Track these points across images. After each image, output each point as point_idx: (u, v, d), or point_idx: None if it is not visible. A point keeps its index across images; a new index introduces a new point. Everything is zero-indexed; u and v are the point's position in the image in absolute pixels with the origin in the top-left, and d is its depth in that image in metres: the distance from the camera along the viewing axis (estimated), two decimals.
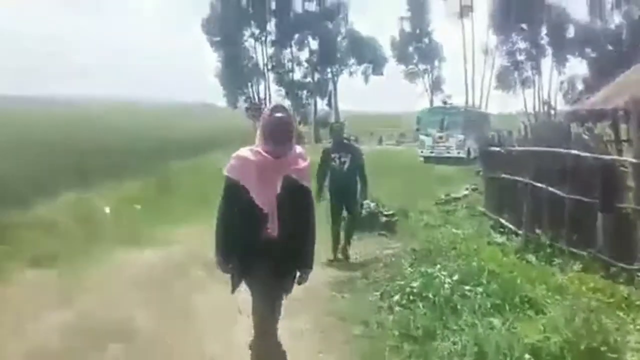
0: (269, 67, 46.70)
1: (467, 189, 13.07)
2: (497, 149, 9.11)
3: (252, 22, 44.84)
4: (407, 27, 47.53)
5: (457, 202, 12.03)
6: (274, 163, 3.25)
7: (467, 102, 44.28)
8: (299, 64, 48.09)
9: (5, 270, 6.32)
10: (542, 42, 45.55)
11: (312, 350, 4.67)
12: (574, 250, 6.67)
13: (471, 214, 10.28)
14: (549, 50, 45.75)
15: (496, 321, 4.57)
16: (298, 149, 3.40)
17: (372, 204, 10.05)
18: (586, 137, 6.84)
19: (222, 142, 26.43)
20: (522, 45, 46.14)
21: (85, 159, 15.02)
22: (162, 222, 9.69)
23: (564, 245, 6.82)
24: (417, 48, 47.60)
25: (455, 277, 5.52)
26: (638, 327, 4.70)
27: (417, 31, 47.06)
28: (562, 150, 6.90)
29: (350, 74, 48.99)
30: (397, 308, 5.27)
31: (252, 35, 45.42)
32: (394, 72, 49.38)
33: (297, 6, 46.58)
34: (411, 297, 5.33)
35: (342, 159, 7.70)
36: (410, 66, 47.97)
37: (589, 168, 6.49)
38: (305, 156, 3.42)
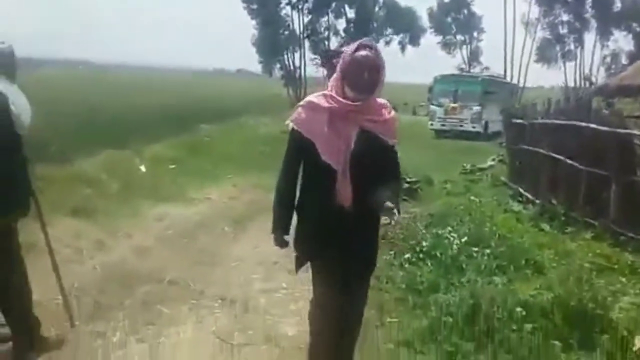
0: (305, 35, 46.57)
1: (493, 159, 13.16)
2: (520, 121, 9.23)
3: None
4: None
5: (482, 172, 12.18)
6: (349, 110, 2.59)
7: (505, 74, 43.58)
8: (336, 32, 47.87)
9: (48, 218, 6.84)
10: (587, 15, 44.18)
11: None
12: (587, 219, 6.84)
13: (494, 184, 10.46)
14: (593, 24, 44.42)
15: (497, 279, 4.86)
16: (380, 99, 2.73)
17: None
18: (605, 111, 6.92)
19: (254, 108, 26.94)
20: (565, 17, 44.90)
21: (123, 120, 15.61)
22: (193, 181, 10.18)
23: (578, 215, 6.99)
24: (456, 19, 46.82)
25: (465, 239, 5.80)
26: (637, 291, 4.91)
27: (456, 2, 46.22)
28: (580, 123, 7.01)
29: (387, 43, 48.49)
30: (407, 265, 5.59)
31: (289, 3, 45.29)
32: (431, 43, 48.71)
33: None
34: (421, 256, 5.65)
35: None
36: (448, 37, 47.30)
37: (605, 141, 6.61)
38: (390, 108, 2.76)
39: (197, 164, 12.08)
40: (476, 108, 23.49)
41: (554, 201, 7.47)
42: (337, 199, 2.61)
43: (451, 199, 9.10)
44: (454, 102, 23.91)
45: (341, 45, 47.56)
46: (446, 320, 4.07)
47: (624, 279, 5.22)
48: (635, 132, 6.30)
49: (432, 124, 24.29)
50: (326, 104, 2.64)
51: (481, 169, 12.56)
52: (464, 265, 5.24)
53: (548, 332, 3.86)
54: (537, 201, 7.93)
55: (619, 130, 6.38)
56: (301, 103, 2.76)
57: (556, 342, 3.75)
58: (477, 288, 4.45)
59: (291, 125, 2.73)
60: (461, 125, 23.49)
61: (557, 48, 45.72)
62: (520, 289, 4.49)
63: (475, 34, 47.77)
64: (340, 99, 2.61)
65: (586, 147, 6.97)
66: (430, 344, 3.94)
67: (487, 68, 45.61)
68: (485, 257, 5.44)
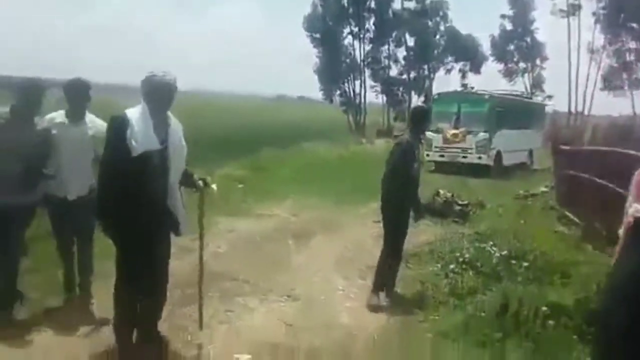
0: (366, 63, 47.72)
1: (546, 186, 13.52)
2: (568, 147, 9.77)
3: (351, 21, 46.12)
4: (509, 25, 46.77)
5: (534, 198, 12.62)
6: None
7: (569, 104, 43.09)
8: (396, 60, 48.73)
9: None
10: None
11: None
12: None
13: (542, 208, 10.93)
14: None
15: (531, 287, 5.48)
16: None
17: (449, 194, 10.97)
18: None
19: (315, 133, 28.10)
20: (632, 45, 44.06)
21: (193, 142, 16.96)
22: (259, 199, 11.20)
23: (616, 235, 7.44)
24: (518, 46, 46.61)
25: (504, 252, 6.45)
26: None
27: (519, 29, 46.21)
28: (622, 150, 7.53)
29: (447, 71, 48.96)
30: (451, 274, 6.28)
31: (351, 32, 46.65)
32: (492, 71, 48.64)
33: (397, 4, 47.23)
34: (464, 266, 6.34)
35: (419, 158, 5.93)
36: (510, 64, 47.22)
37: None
38: None
39: (262, 184, 13.13)
40: (482, 134, 18.58)
41: (597, 224, 7.93)
42: None
43: (500, 220, 9.67)
44: (455, 127, 19.06)
45: (400, 74, 48.52)
46: (479, 315, 4.77)
47: None
48: None
49: (428, 155, 19.20)
50: None
51: (534, 195, 12.98)
52: (501, 274, 5.89)
53: (568, 328, 4.50)
54: (582, 224, 8.41)
55: None
56: None
57: (574, 337, 4.39)
58: (508, 290, 5.11)
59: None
60: (464, 157, 18.68)
61: (624, 76, 44.79)
62: (548, 293, 5.11)
63: (537, 62, 47.44)
64: None
65: (626, 172, 7.44)
66: (465, 335, 4.64)
67: (549, 97, 45.30)
68: (523, 269, 6.06)
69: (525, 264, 6.22)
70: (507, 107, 19.55)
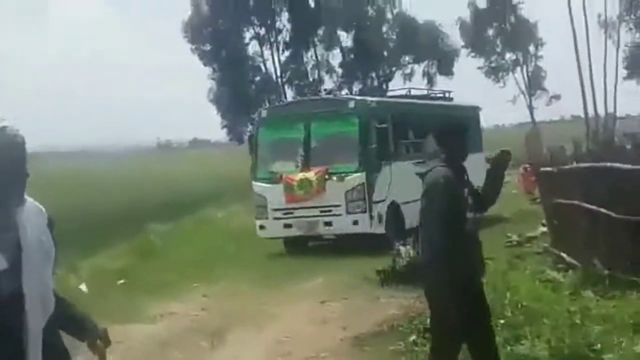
0: (285, 78, 48.94)
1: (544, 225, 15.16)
2: (549, 169, 11.34)
3: (255, 19, 47.26)
4: (482, 4, 49.38)
5: (532, 242, 14.26)
6: None
7: (585, 105, 44.05)
8: (329, 70, 50.37)
9: None
10: None
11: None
12: (633, 278, 8.82)
13: (536, 252, 12.63)
14: None
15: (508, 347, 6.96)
16: None
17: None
18: (628, 147, 9.06)
19: (217, 193, 29.20)
20: None
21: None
22: (150, 296, 12.32)
23: (621, 274, 9.01)
24: (501, 31, 48.57)
25: None
26: None
27: (497, 7, 48.44)
28: (605, 164, 9.13)
29: (406, 77, 50.34)
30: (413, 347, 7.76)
31: (257, 36, 47.96)
32: (469, 69, 50.27)
33: None
34: (425, 335, 7.81)
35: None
36: (493, 58, 48.83)
37: (634, 181, 8.74)
38: None
39: (153, 275, 14.28)
40: (354, 175, 15.59)
41: (595, 261, 9.51)
42: None
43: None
44: (306, 167, 15.94)
45: (339, 88, 49.69)
46: None
47: None
48: None
49: (262, 227, 16.47)
50: None
51: (531, 238, 14.63)
52: None
53: None
54: (579, 265, 9.97)
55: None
56: None
57: None
58: None
59: None
60: (328, 223, 15.62)
61: None
62: (520, 347, 6.61)
63: (531, 50, 49.81)
64: None
65: (617, 191, 9.07)
66: None
67: (556, 97, 47.24)
68: (499, 328, 7.54)
69: (501, 321, 7.70)
70: (400, 120, 17.10)
